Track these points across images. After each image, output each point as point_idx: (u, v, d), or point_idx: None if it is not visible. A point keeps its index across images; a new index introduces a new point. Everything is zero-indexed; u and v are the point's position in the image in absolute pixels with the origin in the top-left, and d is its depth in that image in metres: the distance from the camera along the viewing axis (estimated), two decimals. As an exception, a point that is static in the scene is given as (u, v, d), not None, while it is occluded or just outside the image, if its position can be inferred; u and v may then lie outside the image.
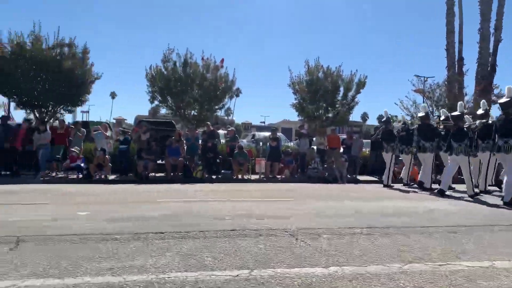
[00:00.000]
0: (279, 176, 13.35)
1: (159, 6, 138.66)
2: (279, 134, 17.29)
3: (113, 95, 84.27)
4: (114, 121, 33.12)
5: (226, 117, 58.32)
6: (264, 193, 9.35)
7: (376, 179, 13.37)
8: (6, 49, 14.27)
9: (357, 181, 13.08)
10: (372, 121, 70.11)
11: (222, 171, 13.23)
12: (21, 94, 14.68)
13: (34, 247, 3.85)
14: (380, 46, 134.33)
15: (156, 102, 18.58)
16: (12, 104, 15.39)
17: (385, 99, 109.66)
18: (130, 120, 35.99)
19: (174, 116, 18.80)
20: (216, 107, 18.26)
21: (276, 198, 8.43)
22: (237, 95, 43.75)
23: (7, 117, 14.80)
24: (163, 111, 26.01)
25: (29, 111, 15.34)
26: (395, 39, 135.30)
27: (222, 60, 17.73)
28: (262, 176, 13.17)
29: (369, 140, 15.35)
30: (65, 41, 15.02)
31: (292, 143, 18.31)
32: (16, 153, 12.15)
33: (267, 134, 17.20)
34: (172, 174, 12.62)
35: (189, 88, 16.96)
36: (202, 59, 17.36)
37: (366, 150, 15.24)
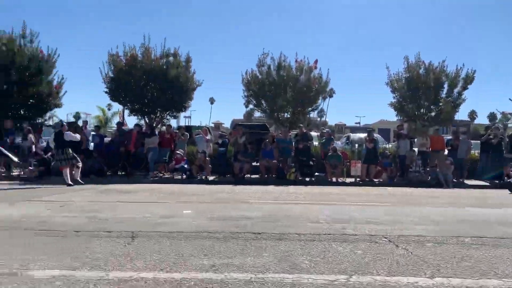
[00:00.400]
0: (376, 180, 12.83)
1: (255, 11, 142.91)
2: (376, 135, 16.60)
3: (211, 100, 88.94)
4: (213, 125, 34.92)
5: (319, 119, 57.73)
6: (360, 197, 9.06)
7: (487, 183, 12.11)
8: (122, 61, 15.96)
9: (464, 186, 11.99)
10: (482, 119, 63.64)
11: (316, 173, 13.15)
12: (133, 102, 16.28)
13: (147, 242, 4.25)
14: (491, 37, 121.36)
15: (251, 106, 19.18)
16: (126, 111, 17.10)
17: (497, 95, 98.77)
18: (227, 124, 37.71)
19: (268, 119, 19.19)
20: (309, 108, 18.22)
21: (373, 203, 8.12)
22: (331, 96, 43.08)
23: (121, 123, 16.55)
24: (257, 114, 26.73)
25: (140, 117, 16.94)
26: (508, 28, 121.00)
27: (316, 61, 17.64)
28: (357, 179, 12.78)
29: (478, 141, 13.94)
30: (170, 51, 16.30)
31: (390, 145, 17.46)
32: (130, 155, 13.50)
33: (363, 135, 16.64)
34: (266, 176, 12.90)
35: (282, 91, 17.18)
36: (296, 61, 17.46)
37: (475, 152, 13.89)
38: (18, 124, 14.42)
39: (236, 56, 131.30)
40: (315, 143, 15.38)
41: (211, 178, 12.83)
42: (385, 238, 4.59)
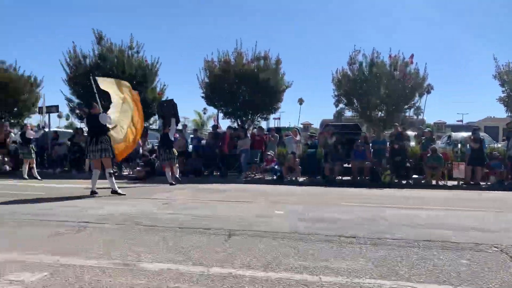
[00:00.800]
0: (483, 183, 11.72)
1: (346, 9, 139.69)
2: (482, 134, 15.15)
3: (300, 101, 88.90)
4: (302, 126, 34.90)
5: (415, 117, 54.27)
6: (464, 201, 8.37)
7: None
8: (216, 67, 16.82)
9: None
10: None
11: (413, 176, 12.43)
12: (227, 105, 17.04)
13: (243, 241, 4.43)
14: None
15: (341, 105, 18.81)
16: (220, 115, 17.96)
17: None
18: (316, 125, 37.35)
19: (360, 118, 18.64)
20: (405, 106, 17.29)
21: (479, 208, 7.44)
22: (428, 92, 40.26)
23: (216, 126, 17.40)
24: (348, 114, 26.08)
25: (233, 120, 17.66)
26: None
27: (412, 56, 16.69)
28: (461, 182, 11.80)
29: None
30: (261, 55, 16.73)
31: (499, 144, 15.79)
32: (224, 156, 14.14)
33: (466, 134, 15.29)
34: (358, 177, 12.54)
35: (375, 89, 16.56)
36: (390, 56, 16.70)
37: None
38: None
39: (326, 56, 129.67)
40: (412, 143, 14.55)
41: (301, 179, 12.86)
42: (495, 247, 4.19)
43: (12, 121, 18.12)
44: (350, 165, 13.02)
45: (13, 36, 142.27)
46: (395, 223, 5.53)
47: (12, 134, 15.08)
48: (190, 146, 15.03)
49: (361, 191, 10.52)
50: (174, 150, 11.69)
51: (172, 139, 11.72)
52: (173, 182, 11.16)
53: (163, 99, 17.56)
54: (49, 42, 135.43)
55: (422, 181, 12.10)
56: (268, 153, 13.66)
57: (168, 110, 12.18)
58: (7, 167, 14.40)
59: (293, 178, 12.79)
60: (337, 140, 13.33)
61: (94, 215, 5.88)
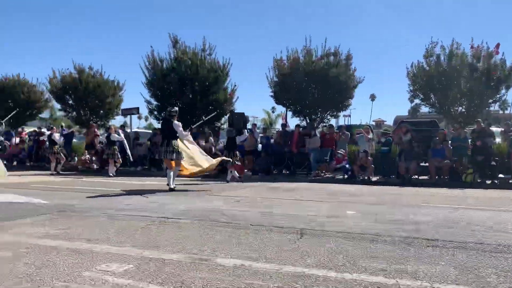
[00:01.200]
0: None
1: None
2: None
3: (372, 97, 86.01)
4: (374, 123, 33.73)
5: (501, 112, 49.83)
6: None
7: None
8: (285, 65, 16.86)
9: None
10: None
11: (500, 175, 11.44)
12: (295, 103, 16.99)
13: (314, 240, 4.41)
14: None
15: (416, 101, 17.87)
16: (289, 113, 17.96)
17: None
18: (389, 121, 35.84)
19: (438, 114, 17.55)
20: (490, 100, 15.95)
21: None
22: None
23: (285, 124, 17.44)
24: (424, 109, 24.69)
25: (302, 118, 17.57)
26: None
27: (498, 45, 15.31)
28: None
29: None
30: (331, 51, 16.46)
31: None
32: (293, 155, 14.14)
33: None
34: (437, 177, 11.84)
35: (455, 82, 15.47)
36: (472, 47, 15.48)
37: None
38: (201, 129, 16.64)
39: (399, 50, 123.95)
40: (497, 139, 13.39)
41: (374, 178, 12.46)
42: None
43: (99, 123, 19.71)
44: (427, 164, 12.34)
45: (99, 43, 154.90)
46: (480, 227, 5.15)
47: (100, 135, 16.39)
48: (260, 145, 15.24)
49: (439, 191, 9.92)
50: (237, 153, 12.03)
51: (238, 142, 12.22)
52: (228, 180, 11.66)
53: (234, 99, 18.05)
54: (131, 47, 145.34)
55: (510, 181, 11.11)
56: (339, 151, 13.40)
57: (238, 122, 12.78)
58: (95, 166, 15.70)
59: (365, 178, 12.42)
60: (413, 137, 12.69)
61: (172, 210, 6.22)
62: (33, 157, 17.41)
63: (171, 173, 9.11)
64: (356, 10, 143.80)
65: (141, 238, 4.42)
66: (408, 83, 17.05)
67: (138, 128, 34.90)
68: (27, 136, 18.87)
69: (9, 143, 17.78)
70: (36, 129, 19.36)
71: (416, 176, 12.23)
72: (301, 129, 14.84)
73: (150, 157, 15.66)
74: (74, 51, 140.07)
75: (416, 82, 16.59)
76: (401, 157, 12.34)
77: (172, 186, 8.92)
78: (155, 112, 18.38)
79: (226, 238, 4.45)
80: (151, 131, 19.38)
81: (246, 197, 8.06)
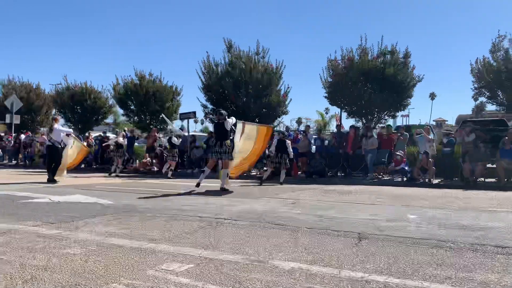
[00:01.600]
0: None
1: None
2: None
3: (432, 96, 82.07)
4: (434, 123, 32.18)
5: None
6: None
7: None
8: (340, 65, 16.58)
9: None
10: None
11: None
12: (351, 104, 16.63)
13: (374, 245, 4.28)
14: None
15: (482, 99, 16.81)
16: (344, 114, 17.63)
17: None
18: (451, 121, 33.98)
19: (507, 113, 16.36)
20: None
21: None
22: None
23: (339, 126, 17.14)
24: (490, 108, 23.14)
25: (357, 119, 17.16)
26: None
27: None
28: None
29: None
30: (387, 49, 15.95)
31: None
32: (348, 157, 13.85)
33: None
34: (506, 180, 11.03)
35: (526, 78, 14.37)
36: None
37: None
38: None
39: (462, 45, 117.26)
40: None
41: (435, 181, 11.89)
42: None
43: (158, 127, 20.58)
44: (494, 166, 11.54)
45: (159, 50, 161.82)
46: (558, 235, 4.72)
47: (162, 139, 17.13)
48: (314, 147, 15.09)
49: (508, 195, 9.23)
50: (285, 155, 11.94)
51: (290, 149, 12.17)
52: (282, 182, 11.69)
53: (287, 101, 18.05)
54: (188, 54, 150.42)
55: None
56: (397, 153, 12.93)
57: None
58: (155, 168, 16.39)
59: (426, 180, 11.87)
60: (478, 137, 11.94)
61: (229, 211, 6.34)
62: (98, 160, 18.54)
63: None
64: (413, 5, 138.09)
65: (200, 238, 4.55)
66: (472, 80, 16.14)
67: (194, 131, 36.00)
68: (93, 140, 20.14)
69: None
70: (101, 133, 20.62)
71: (482, 179, 11.48)
72: (356, 130, 14.51)
73: (206, 159, 16.07)
74: (135, 58, 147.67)
75: (481, 79, 15.60)
76: (465, 159, 11.65)
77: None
78: (211, 116, 18.84)
79: (282, 240, 4.45)
80: (206, 134, 19.91)
81: (302, 199, 8.01)
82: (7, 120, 22.64)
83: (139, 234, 4.74)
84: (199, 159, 16.47)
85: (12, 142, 20.94)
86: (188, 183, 11.64)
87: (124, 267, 3.45)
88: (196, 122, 70.50)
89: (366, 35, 16.40)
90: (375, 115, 16.79)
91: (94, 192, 8.97)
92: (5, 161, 20.66)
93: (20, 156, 20.75)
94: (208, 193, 9.08)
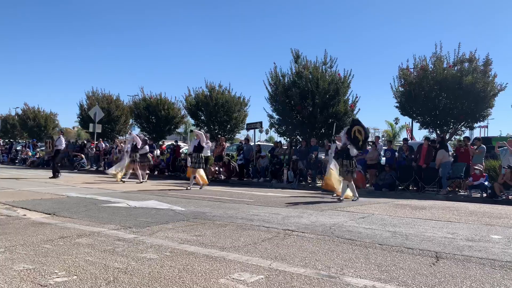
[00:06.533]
0: None
1: None
2: None
3: (515, 105, 75.41)
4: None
5: None
6: None
7: None
8: (412, 74, 15.88)
9: None
10: None
11: None
12: (424, 114, 15.82)
13: (452, 265, 4.00)
14: None
15: None
16: (416, 125, 16.81)
17: None
18: (539, 132, 30.87)
19: None
20: None
21: None
22: None
23: (406, 139, 16.40)
24: None
25: (431, 129, 16.26)
26: None
27: None
28: None
29: None
30: (465, 57, 15.00)
31: None
32: (421, 170, 13.13)
33: None
34: None
35: None
36: None
37: None
38: (320, 141, 16.64)
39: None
40: None
41: (522, 198, 10.84)
42: None
43: (226, 136, 21.16)
44: None
45: (228, 62, 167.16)
46: None
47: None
48: (383, 159, 14.54)
49: None
50: (352, 161, 11.34)
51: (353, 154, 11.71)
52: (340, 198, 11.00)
53: (355, 111, 17.63)
54: (256, 65, 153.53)
55: None
56: (476, 167, 12.01)
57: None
58: (222, 177, 16.81)
59: (510, 197, 10.88)
60: None
61: (296, 223, 6.30)
62: (170, 167, 19.42)
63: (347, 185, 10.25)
64: (492, 10, 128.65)
65: (269, 249, 4.56)
66: None
67: (259, 141, 36.46)
68: (166, 148, 21.18)
69: (152, 155, 20.21)
70: (173, 142, 21.64)
71: None
72: (430, 141, 13.74)
73: (271, 169, 16.17)
74: (206, 69, 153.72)
75: None
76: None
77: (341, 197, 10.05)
78: (276, 126, 18.96)
79: (353, 256, 4.33)
80: (271, 144, 20.06)
81: (372, 214, 7.73)
82: (90, 129, 24.61)
83: (210, 242, 4.88)
84: (265, 168, 16.61)
85: (94, 149, 22.68)
86: (255, 192, 11.78)
87: (197, 274, 3.56)
88: (261, 132, 71.39)
89: (441, 42, 15.59)
90: (451, 126, 15.79)
91: (167, 199, 9.40)
92: (87, 167, 22.40)
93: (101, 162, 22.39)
94: (274, 203, 9.10)
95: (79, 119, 30.17)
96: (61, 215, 6.66)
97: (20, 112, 39.76)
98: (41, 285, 3.21)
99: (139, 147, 14.85)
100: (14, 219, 6.20)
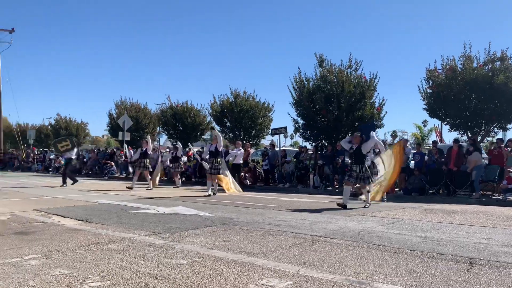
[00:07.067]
0: None
1: None
2: None
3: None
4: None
5: None
6: None
7: None
8: (440, 75, 15.52)
9: None
10: None
11: None
12: (453, 116, 15.41)
13: (488, 272, 3.88)
14: None
15: None
16: (446, 127, 16.38)
17: None
18: None
19: None
20: None
21: None
22: None
23: (436, 141, 15.99)
24: None
25: (462, 132, 15.81)
26: None
27: None
28: None
29: None
30: (496, 55, 14.55)
31: None
32: (452, 173, 12.77)
33: None
34: None
35: None
36: None
37: None
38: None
39: None
40: None
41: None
42: None
43: (251, 142, 21.26)
44: None
45: (252, 69, 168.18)
46: None
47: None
48: (412, 162, 14.23)
49: None
50: (366, 167, 10.79)
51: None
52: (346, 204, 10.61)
53: (382, 114, 17.37)
54: (280, 71, 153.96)
55: None
56: (510, 169, 11.60)
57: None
58: (248, 182, 16.88)
59: (548, 201, 10.44)
60: None
61: (323, 229, 6.25)
62: (197, 173, 19.64)
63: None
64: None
65: (297, 255, 4.55)
66: None
67: (284, 146, 36.39)
68: (193, 155, 21.44)
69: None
70: (200, 149, 21.89)
71: None
72: (460, 144, 13.37)
73: (297, 174, 16.10)
74: (231, 76, 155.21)
75: None
76: None
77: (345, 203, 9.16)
78: (301, 131, 18.89)
79: (382, 262, 4.26)
80: (297, 149, 19.98)
81: (401, 219, 7.58)
82: (119, 137, 25.22)
83: (238, 247, 4.90)
84: (290, 173, 16.56)
85: (123, 157, 23.22)
86: (281, 198, 11.76)
87: (226, 280, 3.59)
88: (285, 137, 71.19)
89: (471, 41, 15.19)
90: (483, 128, 15.31)
91: (194, 204, 9.51)
92: (117, 174, 22.94)
93: (130, 169, 22.90)
94: (301, 208, 9.06)
95: (108, 127, 30.99)
96: (93, 221, 6.86)
97: (53, 122, 41.33)
98: (77, 290, 3.32)
99: (149, 153, 15.04)
100: (49, 226, 6.43)
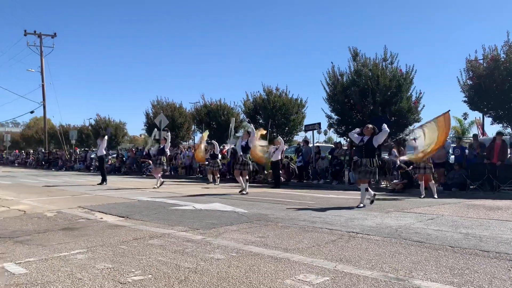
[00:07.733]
0: None
1: None
2: None
3: None
4: None
5: None
6: None
7: None
8: (481, 66, 14.90)
9: None
10: None
11: None
12: (496, 108, 14.76)
13: (535, 270, 3.73)
14: None
15: None
16: (488, 120, 15.73)
17: None
18: None
19: None
20: None
21: None
22: None
23: (476, 135, 15.36)
24: None
25: (505, 124, 15.12)
26: None
27: None
28: None
29: None
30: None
31: None
32: (495, 167, 12.25)
33: None
34: None
35: None
36: None
37: None
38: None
39: None
40: None
41: None
42: None
43: (284, 138, 21.22)
44: None
45: (284, 65, 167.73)
46: None
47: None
48: (452, 157, 13.76)
49: None
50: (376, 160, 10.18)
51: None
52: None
53: (419, 107, 16.89)
54: (313, 66, 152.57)
55: None
56: (560, 163, 10.99)
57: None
58: (282, 179, 16.85)
59: None
60: None
61: (360, 225, 6.18)
62: (231, 171, 19.86)
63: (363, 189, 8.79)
64: None
65: (333, 251, 4.54)
66: None
67: (318, 142, 36.08)
68: (227, 152, 21.70)
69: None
70: (233, 146, 22.12)
71: None
72: (503, 137, 12.78)
73: (332, 170, 15.94)
74: (263, 73, 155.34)
75: None
76: None
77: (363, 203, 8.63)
78: (335, 126, 18.68)
79: (422, 258, 4.18)
80: (331, 145, 19.79)
81: (441, 215, 7.37)
82: (156, 136, 25.88)
83: (273, 243, 4.95)
84: (324, 169, 16.42)
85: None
86: (315, 194, 11.71)
87: (263, 275, 3.65)
88: (319, 133, 70.48)
89: (515, 29, 14.49)
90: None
91: (230, 201, 9.65)
92: (154, 172, 23.58)
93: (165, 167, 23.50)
94: (338, 205, 8.98)
95: (145, 127, 31.88)
96: (133, 218, 7.11)
97: (93, 122, 42.96)
98: (121, 283, 3.47)
99: (166, 150, 14.89)
100: (92, 222, 6.73)
